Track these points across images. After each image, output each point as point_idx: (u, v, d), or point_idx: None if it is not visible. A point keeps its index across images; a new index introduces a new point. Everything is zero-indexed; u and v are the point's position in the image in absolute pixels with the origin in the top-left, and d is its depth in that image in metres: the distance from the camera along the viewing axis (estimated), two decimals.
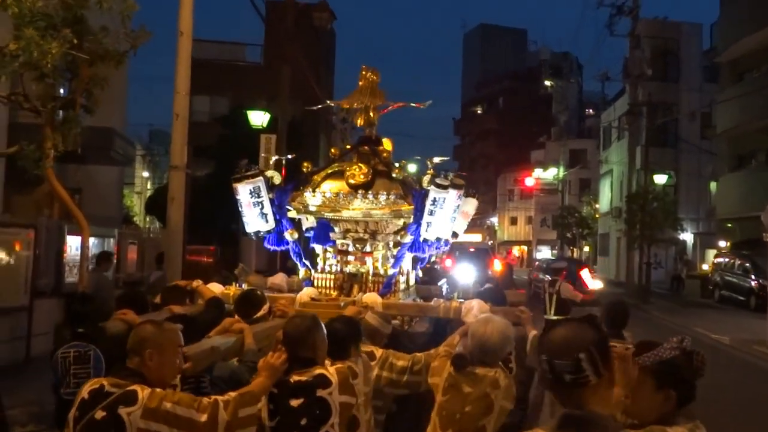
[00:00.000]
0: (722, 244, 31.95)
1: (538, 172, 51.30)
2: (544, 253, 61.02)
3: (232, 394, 3.01)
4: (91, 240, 12.87)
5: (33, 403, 7.74)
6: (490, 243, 45.45)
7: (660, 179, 30.33)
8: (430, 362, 4.18)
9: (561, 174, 46.51)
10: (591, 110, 60.09)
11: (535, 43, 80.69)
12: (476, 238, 45.95)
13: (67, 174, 18.77)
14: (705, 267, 33.61)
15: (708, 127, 35.40)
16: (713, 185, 35.71)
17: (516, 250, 60.74)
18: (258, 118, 19.28)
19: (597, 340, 2.10)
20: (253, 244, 20.78)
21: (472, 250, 29.15)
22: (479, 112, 77.67)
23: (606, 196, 47.67)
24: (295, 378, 3.32)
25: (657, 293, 28.35)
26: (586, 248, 51.89)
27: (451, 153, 79.26)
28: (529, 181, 52.14)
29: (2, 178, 13.03)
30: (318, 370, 3.35)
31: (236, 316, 4.44)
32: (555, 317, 11.01)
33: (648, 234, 26.77)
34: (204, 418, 2.85)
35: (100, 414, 2.76)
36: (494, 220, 67.84)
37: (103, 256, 11.71)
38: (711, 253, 35.42)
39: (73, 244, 12.21)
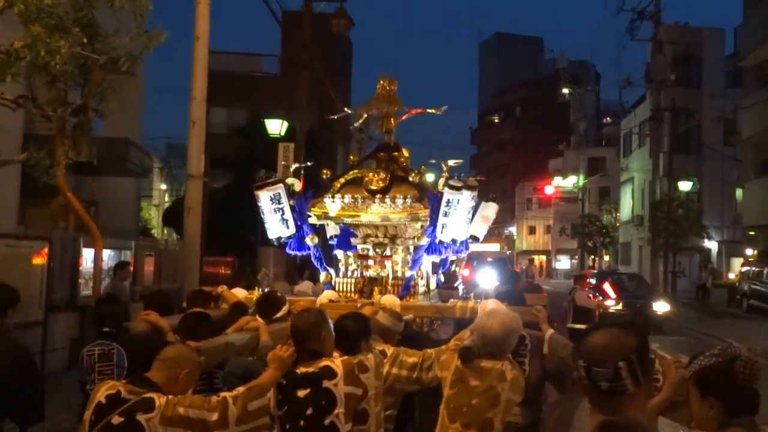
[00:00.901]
0: (749, 252, 31.23)
1: (557, 181, 50.82)
2: (564, 262, 60.52)
3: (241, 388, 3.13)
4: (108, 252, 12.58)
5: (47, 420, 7.43)
6: (508, 252, 44.71)
7: (684, 186, 29.71)
8: (440, 356, 4.25)
9: (581, 182, 45.84)
10: (608, 119, 59.56)
11: (551, 52, 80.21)
12: (494, 247, 45.43)
13: (83, 186, 18.59)
14: (731, 276, 32.86)
15: (731, 134, 34.81)
16: (739, 192, 35.02)
17: (535, 260, 59.96)
18: (275, 126, 19.03)
19: (638, 348, 2.06)
20: (272, 255, 20.62)
21: (490, 259, 28.52)
22: (496, 121, 77.35)
23: (627, 204, 47.08)
24: (302, 369, 3.44)
25: (683, 303, 27.71)
26: (606, 257, 51.18)
27: (468, 162, 78.82)
28: (549, 190, 51.73)
29: (17, 189, 12.76)
30: (324, 362, 3.47)
31: (256, 317, 4.62)
32: (574, 325, 11.30)
33: (673, 242, 26.14)
34: (215, 416, 2.96)
35: (117, 419, 2.87)
36: (512, 229, 67.26)
37: (120, 265, 11.72)
38: (736, 262, 34.74)
39: (88, 256, 11.91)
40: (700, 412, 2.52)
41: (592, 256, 48.26)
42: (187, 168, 9.69)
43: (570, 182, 48.63)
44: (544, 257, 62.45)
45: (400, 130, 6.53)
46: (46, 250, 10.09)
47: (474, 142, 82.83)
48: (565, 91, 55.80)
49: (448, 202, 5.73)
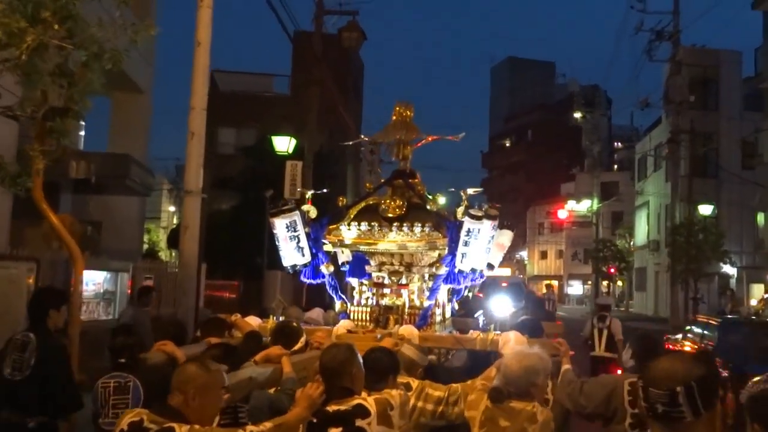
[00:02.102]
0: None
1: (571, 204, 50.08)
2: (576, 287, 59.93)
3: (267, 424, 3.06)
4: (104, 275, 11.92)
5: None
6: (521, 277, 43.91)
7: (705, 210, 28.85)
8: (466, 393, 4.20)
9: (595, 206, 45.08)
10: (620, 144, 59.32)
11: (563, 76, 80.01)
12: (506, 272, 44.70)
13: (86, 206, 17.97)
14: (753, 302, 31.81)
15: (750, 157, 33.94)
16: (761, 217, 34.09)
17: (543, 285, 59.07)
18: (283, 144, 18.44)
19: (703, 377, 1.99)
20: (279, 279, 19.97)
21: (504, 284, 27.66)
22: (507, 144, 77.07)
23: (642, 229, 46.37)
24: (333, 407, 3.37)
25: None
26: (620, 283, 50.33)
27: (479, 186, 78.17)
28: (562, 214, 51.12)
29: (9, 207, 12.07)
30: (356, 400, 3.40)
31: (279, 347, 4.51)
32: (605, 354, 11.15)
33: (694, 267, 25.20)
34: None
35: None
36: (524, 254, 66.50)
37: (143, 290, 11.27)
38: (757, 288, 33.72)
39: (87, 279, 11.12)
40: None
41: (606, 282, 47.25)
42: (184, 183, 8.91)
43: (584, 206, 47.89)
44: (556, 282, 61.61)
45: (413, 153, 6.46)
46: (33, 270, 9.29)
47: (485, 165, 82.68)
48: (577, 115, 55.49)
49: (469, 231, 5.64)
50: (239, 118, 31.66)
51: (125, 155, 16.13)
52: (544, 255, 65.18)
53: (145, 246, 32.44)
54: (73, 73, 6.38)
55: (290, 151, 18.77)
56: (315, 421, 3.36)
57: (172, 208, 46.14)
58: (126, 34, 6.58)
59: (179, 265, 8.95)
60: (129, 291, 12.28)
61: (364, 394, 3.50)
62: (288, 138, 18.49)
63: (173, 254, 28.87)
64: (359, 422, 3.35)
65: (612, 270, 45.08)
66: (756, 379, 2.66)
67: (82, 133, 20.88)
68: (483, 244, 5.76)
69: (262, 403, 3.97)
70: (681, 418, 1.94)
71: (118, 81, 19.19)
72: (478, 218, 5.65)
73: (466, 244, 5.70)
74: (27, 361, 4.82)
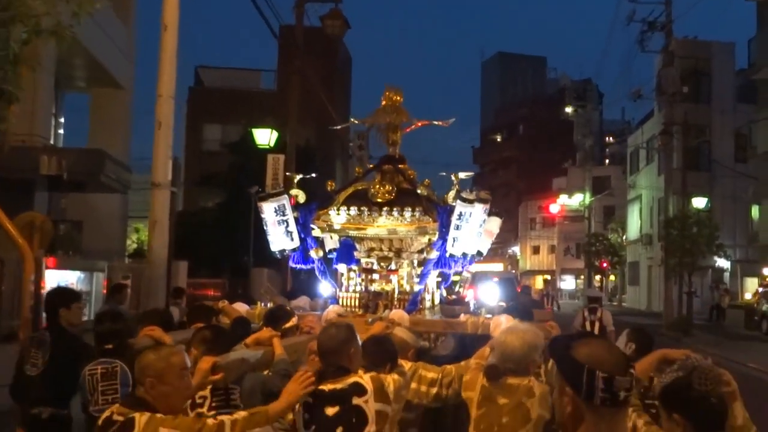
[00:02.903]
0: (766, 272, 29.91)
1: (563, 199, 49.80)
2: (568, 282, 59.85)
3: (242, 413, 3.00)
4: (77, 274, 11.45)
5: None
6: (513, 272, 43.62)
7: (699, 203, 28.48)
8: (461, 374, 4.18)
9: (587, 200, 44.74)
10: (611, 138, 59.23)
11: (554, 71, 79.88)
12: (498, 267, 44.45)
13: (65, 205, 17.44)
14: (747, 296, 31.53)
15: (742, 149, 33.65)
16: (755, 209, 33.78)
17: (540, 280, 58.83)
18: (264, 136, 17.88)
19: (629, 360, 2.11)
20: (265, 276, 19.50)
21: (495, 279, 27.22)
22: (498, 140, 76.81)
23: (634, 223, 46.19)
24: (329, 386, 3.36)
25: (697, 325, 26.56)
26: (612, 277, 50.10)
27: (471, 182, 77.87)
28: (554, 208, 50.88)
29: None
30: (353, 378, 3.39)
31: (270, 329, 4.49)
32: None
33: (688, 261, 24.80)
34: None
35: None
36: (516, 249, 66.26)
37: (116, 288, 11.22)
38: (750, 282, 33.43)
39: (56, 279, 10.67)
40: (670, 430, 2.49)
41: (599, 276, 46.96)
42: (152, 176, 8.41)
43: (576, 200, 47.60)
44: (548, 277, 61.46)
45: (402, 148, 6.44)
46: None
47: (476, 161, 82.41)
48: (569, 109, 55.19)
49: (460, 215, 5.63)
50: (225, 114, 31.28)
51: (99, 151, 15.70)
52: (536, 250, 65.22)
53: (134, 246, 31.99)
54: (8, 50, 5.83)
55: (272, 144, 18.26)
56: (312, 400, 3.34)
57: None
58: (69, 8, 6.04)
59: (147, 262, 8.45)
60: (105, 291, 11.77)
61: (360, 372, 3.47)
62: (269, 131, 17.96)
63: None
64: (356, 400, 3.34)
65: (604, 264, 44.85)
66: (669, 369, 2.61)
67: (61, 131, 20.37)
68: (474, 228, 5.75)
69: (255, 384, 3.93)
70: (629, 402, 2.02)
71: (97, 77, 18.73)
72: (470, 201, 5.63)
73: (457, 228, 5.68)
74: (42, 357, 5.10)
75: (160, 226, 8.09)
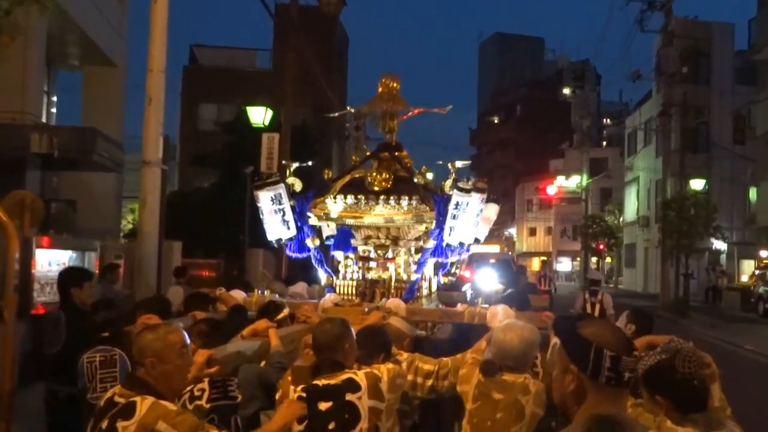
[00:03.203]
0: (764, 254, 29.87)
1: (560, 180, 49.60)
2: (565, 264, 59.85)
3: None
4: (68, 254, 11.26)
5: None
6: (510, 254, 43.52)
7: (697, 184, 28.35)
8: (457, 367, 4.20)
9: (585, 182, 44.57)
10: (608, 120, 58.99)
11: (552, 52, 79.40)
12: (494, 249, 44.35)
13: (59, 184, 17.28)
14: (744, 278, 31.48)
15: (740, 131, 33.52)
16: (753, 191, 33.65)
17: (537, 262, 58.80)
18: (258, 115, 17.62)
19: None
20: (261, 257, 19.38)
21: (492, 261, 27.11)
22: (496, 121, 76.52)
23: (631, 205, 46.11)
24: (323, 382, 3.37)
25: (693, 307, 26.57)
26: (608, 259, 50.09)
27: (468, 165, 77.74)
28: (551, 190, 50.71)
29: None
30: (347, 374, 3.40)
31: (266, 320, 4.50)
32: None
33: (685, 243, 24.71)
34: None
35: (104, 424, 2.76)
36: (512, 231, 66.23)
37: (109, 267, 11.18)
38: (747, 264, 33.40)
39: (47, 259, 10.48)
40: (652, 411, 2.58)
41: (595, 258, 46.91)
42: (142, 153, 8.21)
43: (573, 182, 47.44)
44: (545, 259, 61.44)
45: (398, 130, 6.40)
46: None
47: (473, 143, 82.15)
48: (567, 91, 54.89)
49: (457, 204, 5.62)
50: (220, 93, 30.98)
51: (91, 128, 15.39)
52: (533, 232, 65.27)
53: (130, 226, 31.85)
54: None
55: (266, 122, 17.96)
56: (305, 395, 3.35)
57: None
58: None
59: (137, 242, 8.26)
60: (97, 271, 11.58)
61: (354, 368, 3.49)
62: (264, 109, 17.68)
63: None
64: (349, 396, 3.35)
65: (601, 246, 44.83)
66: (653, 351, 2.70)
67: (54, 110, 20.15)
68: (471, 218, 5.74)
69: (251, 376, 3.95)
70: (631, 383, 2.05)
71: (89, 54, 18.47)
72: (467, 191, 5.62)
73: (454, 217, 5.66)
74: (59, 336, 5.18)
75: (151, 205, 7.89)
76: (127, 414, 2.73)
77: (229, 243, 21.54)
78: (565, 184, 50.30)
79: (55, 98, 20.40)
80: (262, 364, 4.09)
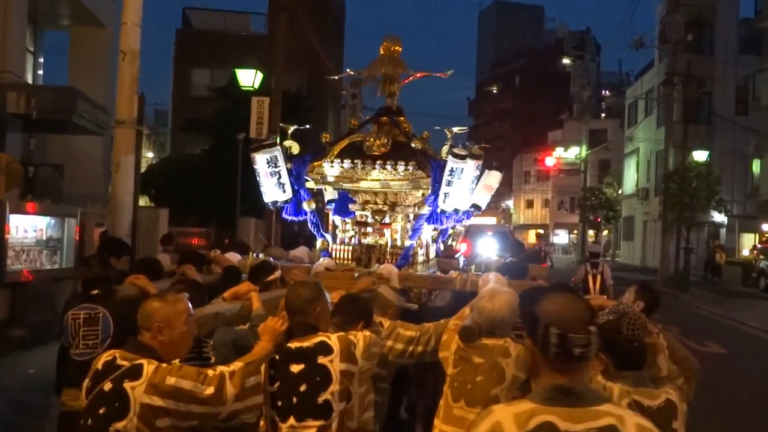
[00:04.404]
0: (765, 227, 29.44)
1: (558, 152, 49.09)
2: (562, 237, 59.67)
3: (238, 363, 3.04)
4: (47, 220, 10.71)
5: None
6: (507, 226, 43.18)
7: (700, 156, 27.80)
8: (440, 333, 4.22)
9: (584, 153, 44.02)
10: (607, 92, 58.42)
11: (552, 21, 78.52)
12: (491, 221, 43.91)
13: (48, 148, 16.75)
14: (745, 253, 31.11)
15: (743, 102, 32.89)
16: (756, 164, 33.11)
17: (533, 235, 58.50)
18: (248, 78, 16.97)
19: (595, 313, 2.24)
20: (253, 226, 19.05)
21: (490, 233, 26.72)
22: (494, 91, 75.76)
23: (631, 177, 45.73)
24: (295, 344, 3.39)
25: (693, 281, 26.20)
26: (605, 232, 49.81)
27: (466, 134, 77.14)
28: (550, 161, 50.08)
29: None
30: (320, 337, 3.41)
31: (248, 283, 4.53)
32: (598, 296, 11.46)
33: (687, 216, 24.23)
34: (210, 390, 2.88)
35: (107, 386, 2.82)
36: (509, 203, 65.87)
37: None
38: (747, 238, 33.02)
39: (22, 225, 9.97)
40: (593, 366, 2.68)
41: (593, 231, 46.56)
42: (116, 112, 7.65)
43: (572, 153, 46.88)
44: (542, 231, 61.21)
45: (397, 99, 6.32)
46: None
47: (471, 113, 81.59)
48: (566, 61, 54.14)
49: (452, 171, 5.58)
50: (213, 58, 30.28)
51: (71, 88, 14.81)
52: (530, 204, 65.24)
53: None
54: None
55: (256, 85, 17.35)
56: (277, 357, 3.37)
57: (150, 154, 45.14)
58: None
59: (110, 208, 7.70)
60: (77, 238, 11.06)
61: (329, 332, 3.50)
62: (253, 71, 17.05)
63: (148, 200, 27.74)
64: (321, 359, 3.35)
65: (599, 219, 44.51)
66: (603, 312, 2.90)
67: (41, 71, 19.52)
68: (466, 185, 5.69)
69: (226, 339, 3.94)
70: (588, 357, 2.07)
71: (76, 14, 17.79)
72: (462, 157, 5.55)
73: (448, 183, 5.62)
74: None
75: (125, 168, 7.36)
76: (134, 374, 2.82)
77: (220, 211, 21.10)
78: (564, 155, 49.82)
79: (42, 59, 19.78)
80: (246, 326, 4.08)
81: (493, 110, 75.07)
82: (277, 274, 4.93)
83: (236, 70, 17.81)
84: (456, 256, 8.00)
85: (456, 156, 5.56)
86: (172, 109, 32.79)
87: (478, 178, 6.01)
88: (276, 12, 21.60)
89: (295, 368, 3.34)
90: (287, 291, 3.73)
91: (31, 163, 15.52)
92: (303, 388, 3.31)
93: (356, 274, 5.27)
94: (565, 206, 58.58)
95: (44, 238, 10.73)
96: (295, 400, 3.31)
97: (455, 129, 5.99)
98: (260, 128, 15.32)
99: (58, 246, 11.14)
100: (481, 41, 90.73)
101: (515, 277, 5.32)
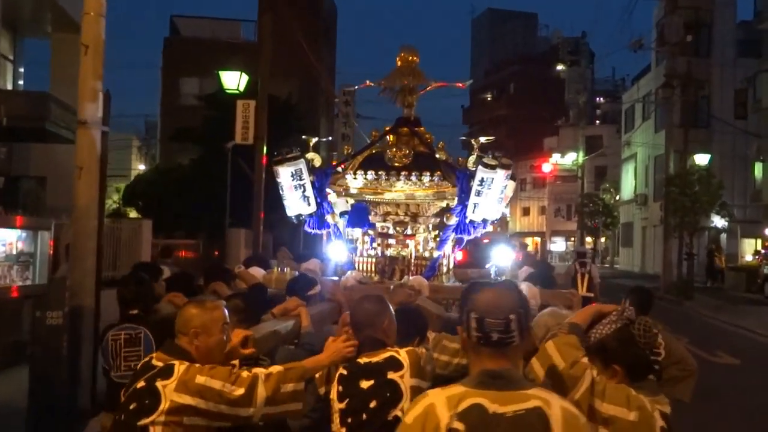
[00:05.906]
0: None
1: (555, 158, 48.66)
2: (559, 244, 59.37)
3: (278, 367, 3.09)
4: (18, 233, 10.06)
5: None
6: (506, 234, 42.74)
7: (702, 159, 27.36)
8: None
9: (581, 159, 43.63)
10: (601, 99, 58.36)
11: (546, 27, 78.71)
12: (487, 229, 42.87)
13: (30, 160, 16.21)
14: (748, 258, 30.59)
15: (742, 105, 32.54)
16: (758, 167, 32.70)
17: (529, 242, 58.10)
18: (232, 80, 16.35)
19: (524, 304, 2.29)
20: (242, 237, 18.50)
21: (486, 241, 26.03)
22: (489, 99, 75.66)
23: (629, 183, 45.52)
24: (365, 359, 3.36)
25: (696, 288, 25.91)
26: (603, 239, 49.39)
27: (459, 143, 77.03)
28: (546, 167, 49.75)
29: None
30: (388, 353, 3.38)
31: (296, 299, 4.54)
32: (586, 294, 11.93)
33: (690, 221, 23.73)
34: (240, 391, 2.92)
35: (141, 384, 2.90)
36: (506, 210, 65.31)
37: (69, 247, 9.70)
38: (749, 243, 32.49)
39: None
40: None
41: (590, 237, 46.14)
42: (78, 112, 7.04)
43: (569, 160, 46.46)
44: (538, 239, 60.86)
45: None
46: None
47: (466, 121, 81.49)
48: (561, 67, 53.91)
49: (482, 181, 5.69)
50: (202, 66, 29.83)
51: (44, 94, 14.24)
52: (526, 211, 65.32)
53: (115, 206, 30.78)
54: None
55: (241, 88, 16.74)
56: (346, 373, 3.33)
57: (142, 167, 44.73)
58: None
59: (72, 219, 7.05)
60: (51, 252, 10.39)
61: (396, 347, 3.48)
62: (238, 74, 16.45)
63: (136, 212, 27.27)
64: (391, 374, 3.30)
65: (596, 224, 44.11)
66: (603, 321, 2.87)
67: (21, 81, 19.05)
68: (496, 194, 5.81)
69: (287, 360, 3.85)
70: (511, 343, 2.18)
71: (58, 21, 17.26)
72: (492, 167, 5.65)
73: (478, 194, 5.73)
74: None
75: (88, 174, 6.66)
76: (166, 374, 2.88)
77: (209, 221, 20.56)
78: (560, 161, 49.48)
79: (22, 69, 19.28)
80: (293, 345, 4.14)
81: (488, 117, 74.88)
82: (318, 288, 4.93)
83: (220, 72, 17.20)
84: (487, 266, 8.05)
85: (486, 166, 5.65)
86: (161, 119, 32.28)
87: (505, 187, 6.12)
88: (262, 13, 21.11)
89: (365, 384, 3.29)
90: (352, 306, 3.72)
91: (1, 174, 14.93)
92: (373, 404, 3.26)
93: (391, 287, 5.26)
94: (561, 213, 58.53)
95: (14, 252, 10.09)
96: (365, 416, 3.25)
97: (482, 139, 6.13)
98: (246, 133, 14.82)
99: (31, 261, 10.48)
100: (474, 48, 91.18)
101: (545, 287, 5.38)
